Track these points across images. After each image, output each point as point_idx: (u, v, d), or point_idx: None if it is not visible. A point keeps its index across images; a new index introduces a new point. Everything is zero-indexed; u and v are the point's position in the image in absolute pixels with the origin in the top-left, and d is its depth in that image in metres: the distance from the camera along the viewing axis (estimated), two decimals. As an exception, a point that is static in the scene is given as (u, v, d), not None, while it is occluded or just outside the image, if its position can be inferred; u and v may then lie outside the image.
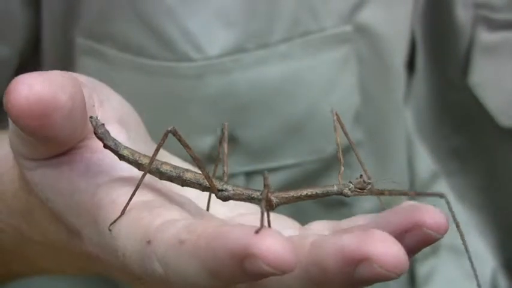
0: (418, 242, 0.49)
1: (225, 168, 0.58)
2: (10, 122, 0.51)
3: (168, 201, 0.53)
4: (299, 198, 0.56)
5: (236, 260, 0.43)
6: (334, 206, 0.84)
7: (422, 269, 0.88)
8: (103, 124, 0.54)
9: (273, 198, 0.55)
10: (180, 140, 0.53)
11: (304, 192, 0.56)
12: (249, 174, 0.82)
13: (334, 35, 0.80)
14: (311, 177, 0.83)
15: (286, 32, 0.79)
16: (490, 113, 0.85)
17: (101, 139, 0.54)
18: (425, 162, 0.89)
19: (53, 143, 0.52)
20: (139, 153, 0.54)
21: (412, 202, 0.52)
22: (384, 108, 0.85)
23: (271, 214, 0.55)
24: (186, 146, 0.53)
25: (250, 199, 0.56)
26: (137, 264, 0.48)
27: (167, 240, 0.46)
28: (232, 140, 0.81)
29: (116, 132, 0.56)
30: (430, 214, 0.48)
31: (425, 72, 0.88)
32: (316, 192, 0.55)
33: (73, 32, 0.80)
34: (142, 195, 0.52)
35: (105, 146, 0.54)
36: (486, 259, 0.90)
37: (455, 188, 0.90)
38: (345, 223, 0.56)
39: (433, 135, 0.90)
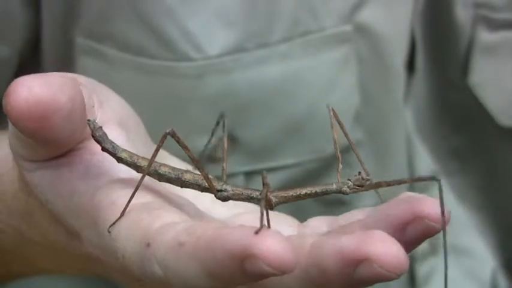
0: (419, 234, 0.49)
1: (224, 165, 0.58)
2: (10, 123, 0.51)
3: (167, 202, 0.53)
4: (298, 197, 0.56)
5: (236, 261, 0.43)
6: (334, 204, 0.84)
7: (422, 269, 0.88)
8: (101, 127, 0.54)
9: (273, 198, 0.55)
10: (178, 141, 0.53)
11: (304, 191, 0.55)
12: (248, 174, 0.82)
13: (334, 34, 0.80)
14: (311, 177, 0.83)
15: (286, 31, 0.79)
16: (490, 113, 0.85)
17: (98, 142, 0.53)
18: (425, 162, 0.89)
19: (53, 144, 0.52)
20: (138, 155, 0.54)
21: (409, 193, 0.52)
22: (384, 108, 0.85)
23: (271, 212, 0.55)
24: (184, 147, 0.53)
25: (249, 199, 0.56)
26: (137, 266, 0.48)
27: (167, 242, 0.46)
28: (232, 139, 0.81)
29: (116, 133, 0.56)
30: (430, 205, 0.48)
31: (425, 72, 0.88)
32: (316, 191, 0.55)
33: (73, 32, 0.80)
34: (141, 197, 0.52)
35: (103, 149, 0.54)
36: (486, 259, 0.90)
37: (455, 188, 0.90)
38: (343, 218, 0.56)
39: (433, 135, 0.90)
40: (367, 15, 0.81)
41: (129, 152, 0.54)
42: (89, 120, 0.53)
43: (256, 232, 0.43)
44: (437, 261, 0.88)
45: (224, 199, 0.56)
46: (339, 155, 0.57)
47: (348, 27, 0.80)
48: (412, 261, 0.87)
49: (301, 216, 0.61)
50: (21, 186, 0.61)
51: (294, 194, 0.55)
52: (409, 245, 0.48)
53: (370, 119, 0.84)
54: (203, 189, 0.56)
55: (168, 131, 0.52)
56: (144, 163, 0.54)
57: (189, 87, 0.78)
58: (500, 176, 0.89)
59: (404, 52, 0.85)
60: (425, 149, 0.89)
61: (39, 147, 0.53)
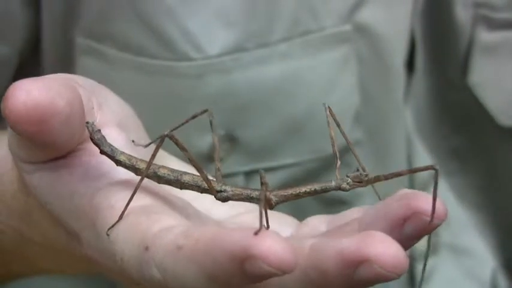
0: (417, 230, 0.49)
1: (217, 164, 0.58)
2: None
3: (166, 205, 0.53)
4: (298, 196, 0.55)
5: (236, 263, 0.43)
6: (334, 204, 0.84)
7: (421, 269, 0.88)
8: (99, 130, 0.54)
9: (272, 197, 0.55)
10: (177, 143, 0.52)
11: (303, 189, 0.55)
12: (248, 174, 0.82)
13: (334, 34, 0.80)
14: (311, 176, 0.83)
15: (286, 31, 0.79)
16: (490, 112, 0.85)
17: (97, 145, 0.53)
18: (425, 162, 0.89)
19: (51, 148, 0.52)
20: (136, 158, 0.54)
21: (407, 190, 0.52)
22: (383, 108, 0.85)
23: (270, 212, 0.55)
24: (183, 149, 0.53)
25: (249, 199, 0.56)
26: (135, 270, 0.48)
27: (165, 246, 0.46)
28: (232, 139, 0.81)
29: (115, 135, 0.56)
30: (427, 201, 0.48)
31: (425, 72, 0.88)
32: (315, 189, 0.55)
33: (73, 32, 0.80)
34: (140, 200, 0.51)
35: (102, 152, 0.54)
36: (486, 259, 0.90)
37: (455, 187, 0.90)
38: (342, 216, 0.56)
39: (433, 135, 0.90)
40: (367, 15, 0.81)
41: (128, 154, 0.54)
42: (87, 122, 0.53)
43: (256, 233, 0.43)
44: (437, 261, 0.89)
45: (224, 200, 0.56)
46: (336, 151, 0.57)
47: (347, 27, 0.80)
48: (412, 261, 0.87)
49: (301, 216, 0.61)
50: (21, 187, 0.61)
51: (294, 193, 0.55)
52: (407, 242, 0.49)
53: (370, 118, 0.84)
54: (203, 190, 0.56)
55: (166, 133, 0.52)
56: (143, 166, 0.54)
57: (189, 87, 0.78)
58: (500, 176, 0.89)
59: (404, 52, 0.85)
60: (425, 149, 0.89)
61: (38, 149, 0.53)
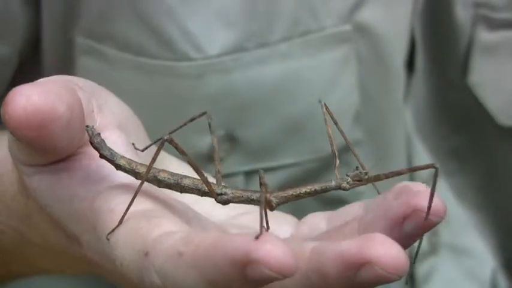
0: (417, 228, 0.49)
1: (217, 164, 0.58)
2: None
3: (166, 209, 0.53)
4: (298, 196, 0.55)
5: (237, 268, 0.43)
6: (334, 203, 0.84)
7: (421, 269, 0.89)
8: (99, 134, 0.53)
9: (273, 199, 0.55)
10: (176, 147, 0.52)
11: (303, 189, 0.55)
12: (248, 174, 0.82)
13: (334, 34, 0.80)
14: (311, 176, 0.83)
15: (286, 31, 0.79)
16: (490, 112, 0.85)
17: (97, 149, 0.53)
18: (425, 161, 0.89)
19: (51, 152, 0.52)
20: (136, 162, 0.54)
21: (404, 182, 0.52)
22: (383, 108, 0.85)
23: (270, 212, 0.55)
24: (182, 153, 0.52)
25: (250, 201, 0.56)
26: (135, 275, 0.48)
27: (165, 251, 0.46)
28: (232, 139, 0.81)
29: (116, 137, 0.56)
30: (427, 197, 0.48)
31: (424, 72, 0.88)
32: (315, 189, 0.55)
33: (73, 31, 0.80)
34: (140, 204, 0.51)
35: (101, 156, 0.53)
36: (486, 259, 0.90)
37: (455, 187, 0.90)
38: (341, 212, 0.56)
39: (433, 134, 0.90)
40: (367, 15, 0.81)
41: (128, 158, 0.54)
42: (87, 126, 0.53)
43: (256, 237, 0.43)
44: (437, 261, 0.89)
45: (224, 202, 0.56)
46: (335, 150, 0.57)
47: (347, 27, 0.80)
48: (412, 260, 0.87)
49: (301, 215, 0.61)
50: (21, 189, 0.60)
51: (294, 194, 0.55)
52: (407, 240, 0.49)
53: (370, 118, 0.84)
54: (203, 193, 0.56)
55: (165, 137, 0.52)
56: (142, 170, 0.54)
57: (189, 87, 0.78)
58: (500, 176, 0.89)
59: (404, 52, 0.85)
60: (425, 148, 0.89)
61: (38, 154, 0.52)
